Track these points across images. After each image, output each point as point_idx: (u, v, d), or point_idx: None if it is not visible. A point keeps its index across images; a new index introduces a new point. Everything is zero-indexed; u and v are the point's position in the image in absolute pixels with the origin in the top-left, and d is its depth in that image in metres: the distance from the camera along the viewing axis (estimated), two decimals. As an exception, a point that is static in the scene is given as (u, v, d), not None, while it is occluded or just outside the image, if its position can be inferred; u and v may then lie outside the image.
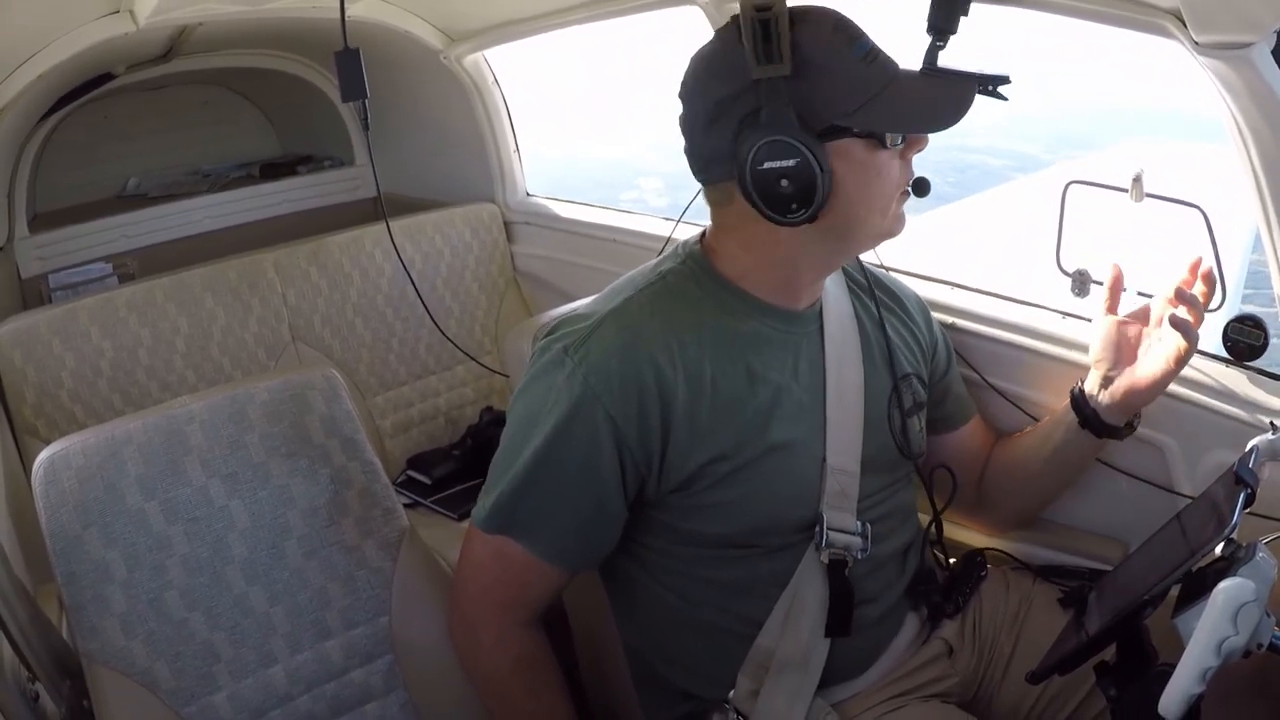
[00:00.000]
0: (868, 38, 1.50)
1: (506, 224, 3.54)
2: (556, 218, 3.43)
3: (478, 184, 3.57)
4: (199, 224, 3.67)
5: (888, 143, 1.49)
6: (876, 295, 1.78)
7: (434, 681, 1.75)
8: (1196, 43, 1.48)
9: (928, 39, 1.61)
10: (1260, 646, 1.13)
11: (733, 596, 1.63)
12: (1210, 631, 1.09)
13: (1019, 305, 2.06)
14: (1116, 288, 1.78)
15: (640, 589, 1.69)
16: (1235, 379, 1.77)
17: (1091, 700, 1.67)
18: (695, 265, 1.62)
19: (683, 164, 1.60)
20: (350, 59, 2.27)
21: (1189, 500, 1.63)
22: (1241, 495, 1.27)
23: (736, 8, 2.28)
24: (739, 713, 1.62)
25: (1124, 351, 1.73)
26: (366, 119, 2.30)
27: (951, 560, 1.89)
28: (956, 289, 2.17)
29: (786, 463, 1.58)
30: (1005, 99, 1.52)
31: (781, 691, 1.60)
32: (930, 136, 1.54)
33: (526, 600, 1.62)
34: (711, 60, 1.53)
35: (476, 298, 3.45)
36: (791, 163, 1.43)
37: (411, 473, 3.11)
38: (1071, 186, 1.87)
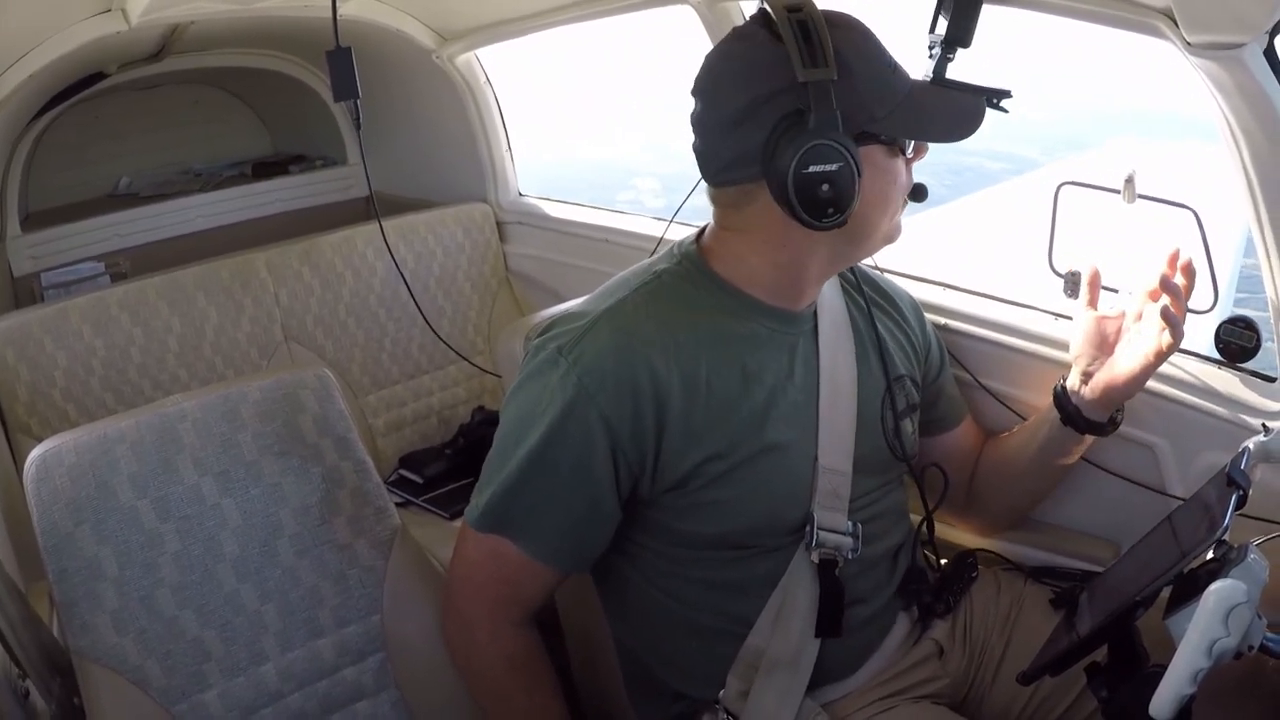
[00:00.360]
0: (886, 49, 1.52)
1: (499, 224, 3.54)
2: (549, 218, 3.43)
3: (470, 184, 3.57)
4: (191, 223, 3.68)
5: (906, 150, 1.52)
6: (870, 296, 1.78)
7: (425, 680, 1.75)
8: (1188, 43, 1.48)
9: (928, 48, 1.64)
10: (1251, 648, 1.13)
11: (724, 596, 1.63)
12: (1202, 633, 1.09)
13: (1012, 306, 2.07)
14: (1096, 283, 1.78)
15: (632, 589, 1.69)
16: (1227, 381, 1.77)
17: (1082, 701, 1.67)
18: (691, 265, 1.62)
19: (679, 165, 1.59)
20: (342, 58, 2.27)
21: (1181, 502, 1.64)
22: (1233, 497, 1.27)
23: (729, 7, 2.30)
24: (729, 713, 1.62)
25: (1104, 347, 1.74)
26: (358, 118, 2.30)
27: (943, 561, 1.89)
28: (950, 290, 2.17)
29: (780, 463, 1.58)
30: (1007, 111, 1.56)
31: (771, 691, 1.60)
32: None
33: (519, 599, 1.62)
34: (737, 60, 1.52)
35: (469, 297, 3.45)
36: (834, 167, 1.41)
37: (404, 472, 3.11)
38: (1064, 188, 1.87)
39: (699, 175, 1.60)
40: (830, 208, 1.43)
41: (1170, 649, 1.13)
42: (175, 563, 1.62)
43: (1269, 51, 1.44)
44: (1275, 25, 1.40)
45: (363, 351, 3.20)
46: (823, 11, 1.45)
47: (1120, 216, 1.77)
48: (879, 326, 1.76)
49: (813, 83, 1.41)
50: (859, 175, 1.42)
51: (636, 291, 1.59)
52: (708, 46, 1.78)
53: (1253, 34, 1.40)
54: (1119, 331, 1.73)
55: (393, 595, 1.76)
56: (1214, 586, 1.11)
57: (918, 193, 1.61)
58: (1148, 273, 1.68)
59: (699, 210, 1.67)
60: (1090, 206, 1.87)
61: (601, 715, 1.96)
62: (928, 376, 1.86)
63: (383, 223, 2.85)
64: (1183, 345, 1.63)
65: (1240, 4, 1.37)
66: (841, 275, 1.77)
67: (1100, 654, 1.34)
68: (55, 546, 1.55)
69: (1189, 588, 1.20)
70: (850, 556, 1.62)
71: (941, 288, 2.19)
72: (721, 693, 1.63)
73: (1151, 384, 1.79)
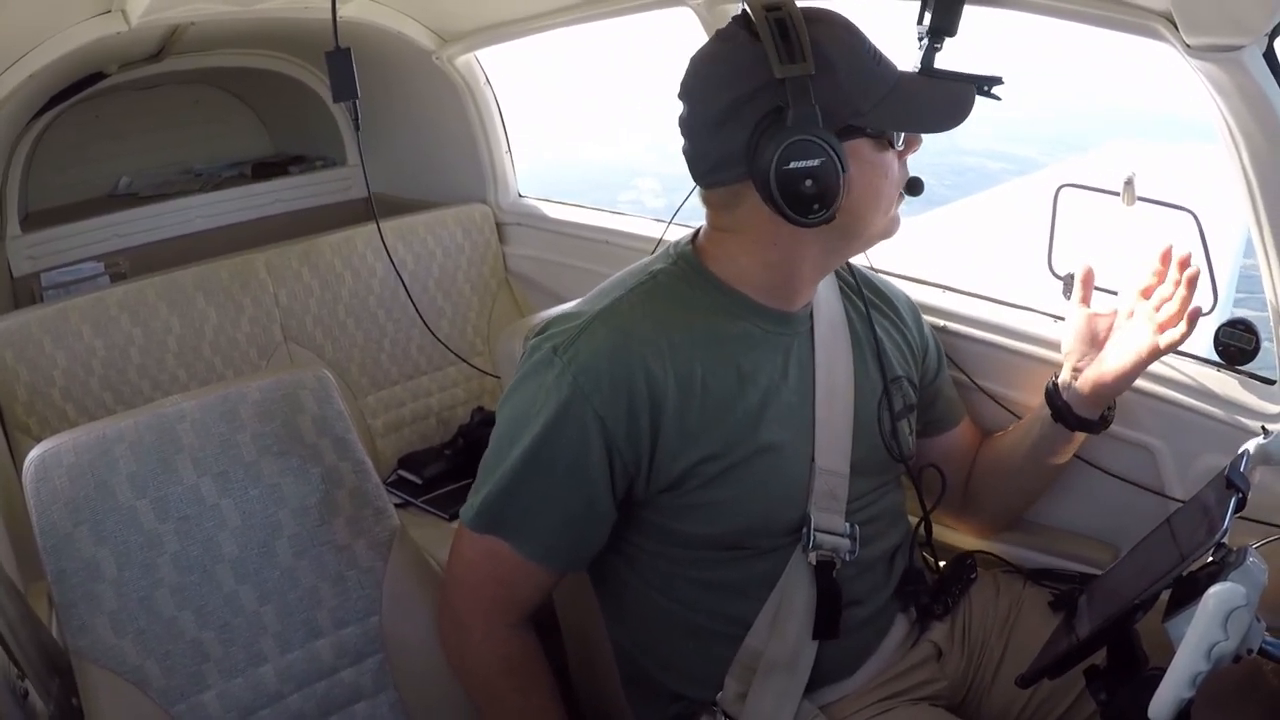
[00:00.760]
0: (869, 40, 1.51)
1: (499, 225, 3.54)
2: (548, 219, 3.43)
3: (470, 185, 3.57)
4: (191, 223, 3.68)
5: (895, 143, 1.51)
6: (868, 298, 1.78)
7: (424, 681, 1.75)
8: (1188, 45, 1.48)
9: (917, 39, 1.63)
10: (1250, 652, 1.13)
11: (722, 597, 1.63)
12: (1201, 636, 1.09)
13: (1010, 308, 2.07)
14: (1089, 281, 1.79)
15: (629, 590, 1.69)
16: (1226, 383, 1.77)
17: (1081, 704, 1.67)
18: (686, 265, 1.62)
19: (680, 165, 1.60)
20: (341, 59, 2.27)
21: (1180, 504, 1.64)
22: (1232, 500, 1.27)
23: (729, 9, 2.30)
24: (726, 715, 1.62)
25: (1095, 344, 1.75)
26: (357, 119, 2.29)
27: (941, 563, 1.89)
28: (948, 292, 2.18)
29: (776, 464, 1.57)
30: (999, 99, 1.54)
31: (769, 693, 1.60)
32: (925, 139, 1.55)
33: (516, 599, 1.62)
34: (719, 61, 1.52)
35: (469, 298, 3.45)
36: (816, 162, 1.41)
37: (403, 472, 3.11)
38: (1063, 190, 1.87)
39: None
40: (815, 203, 1.43)
41: (1169, 652, 1.13)
42: (174, 563, 1.62)
43: (1268, 54, 1.44)
44: (1275, 27, 1.40)
45: (362, 352, 3.21)
46: (804, 9, 1.46)
47: (1120, 219, 1.77)
48: (876, 328, 1.76)
49: (790, 79, 1.42)
50: (843, 170, 1.42)
51: (632, 291, 1.59)
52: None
53: (1252, 36, 1.40)
54: (1110, 329, 1.74)
55: (391, 596, 1.76)
56: (1213, 590, 1.11)
57: (913, 186, 1.59)
58: (1139, 270, 1.69)
59: (700, 211, 1.67)
60: (1090, 209, 1.87)
61: (599, 717, 1.95)
62: (925, 378, 1.86)
63: (382, 224, 2.84)
64: (1181, 347, 1.64)
65: (1239, 7, 1.37)
66: (839, 276, 1.77)
67: (1099, 657, 1.34)
68: (54, 547, 1.55)
69: (1188, 591, 1.20)
70: (848, 558, 1.62)
71: (939, 289, 2.19)
72: (719, 694, 1.63)
73: (1150, 386, 1.80)
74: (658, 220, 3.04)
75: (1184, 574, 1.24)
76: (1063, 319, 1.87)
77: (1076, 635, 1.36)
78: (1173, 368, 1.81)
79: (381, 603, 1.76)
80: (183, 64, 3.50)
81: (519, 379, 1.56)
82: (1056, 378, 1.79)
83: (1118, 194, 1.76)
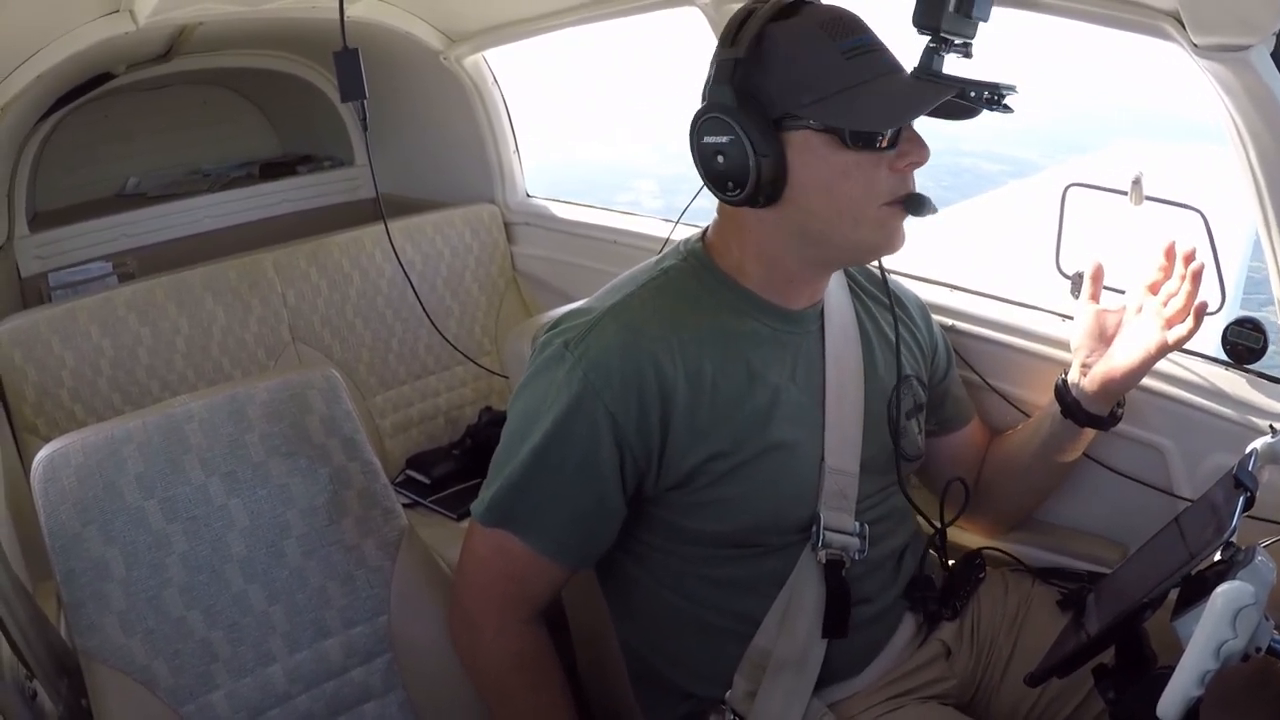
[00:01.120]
0: (866, 36, 1.48)
1: (506, 225, 3.54)
2: (556, 218, 3.43)
3: (478, 184, 3.58)
4: (199, 223, 3.68)
5: (847, 140, 1.46)
6: (877, 297, 1.78)
7: (433, 680, 1.76)
8: (1195, 45, 1.48)
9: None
10: (1259, 650, 1.13)
11: (731, 595, 1.63)
12: (1209, 635, 1.09)
13: (1018, 308, 2.07)
14: (1099, 278, 1.80)
15: (638, 588, 1.69)
16: (1235, 382, 1.77)
17: (1090, 703, 1.66)
18: (696, 261, 1.62)
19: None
20: (349, 59, 2.26)
21: (1188, 503, 1.63)
22: (1241, 498, 1.27)
23: (736, 9, 2.29)
24: (735, 713, 1.62)
25: (1104, 340, 1.75)
26: (365, 119, 2.29)
27: (950, 562, 1.89)
28: (956, 291, 2.17)
29: (785, 462, 1.58)
30: (1010, 110, 1.49)
31: (778, 692, 1.60)
32: (925, 139, 1.51)
33: (526, 596, 1.62)
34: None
35: (476, 298, 3.46)
36: (725, 139, 1.47)
37: (411, 472, 3.11)
38: (1071, 189, 1.87)
39: (698, 177, 1.58)
40: (729, 181, 1.48)
41: (1178, 651, 1.13)
42: (182, 563, 1.62)
43: (1276, 53, 1.44)
44: (1283, 27, 1.40)
45: (370, 352, 3.21)
46: (794, 1, 1.49)
47: (1128, 218, 1.77)
48: (885, 327, 1.76)
49: (721, 61, 1.47)
50: (755, 152, 1.45)
51: (643, 288, 1.59)
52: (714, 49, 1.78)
53: (1260, 36, 1.40)
54: (1119, 325, 1.74)
55: (400, 596, 1.76)
56: (1222, 588, 1.11)
57: (915, 204, 1.51)
58: (1146, 266, 1.68)
59: (704, 212, 1.67)
60: (1098, 208, 1.87)
61: (608, 715, 1.96)
62: (934, 377, 1.86)
63: (390, 224, 2.84)
64: (1188, 346, 1.64)
65: (1247, 6, 1.37)
66: (849, 276, 1.77)
67: (1108, 655, 1.34)
68: (63, 547, 1.55)
69: (1197, 589, 1.20)
70: (857, 557, 1.62)
71: (948, 289, 2.19)
72: (728, 693, 1.64)
73: (1159, 385, 1.80)
74: (665, 220, 3.04)
75: (1192, 573, 1.24)
76: (1071, 318, 1.87)
77: (1085, 634, 1.36)
78: (1181, 367, 1.81)
79: (390, 602, 1.76)
80: (191, 64, 3.50)
81: (530, 374, 1.57)
82: (1066, 374, 1.79)
83: (1125, 193, 1.76)
